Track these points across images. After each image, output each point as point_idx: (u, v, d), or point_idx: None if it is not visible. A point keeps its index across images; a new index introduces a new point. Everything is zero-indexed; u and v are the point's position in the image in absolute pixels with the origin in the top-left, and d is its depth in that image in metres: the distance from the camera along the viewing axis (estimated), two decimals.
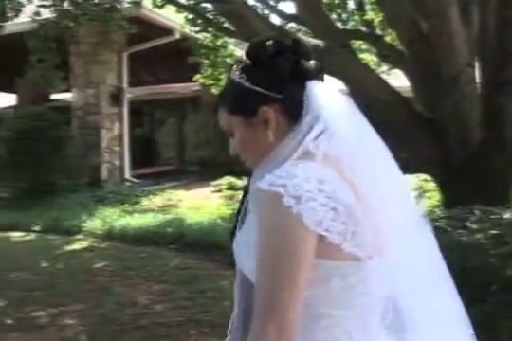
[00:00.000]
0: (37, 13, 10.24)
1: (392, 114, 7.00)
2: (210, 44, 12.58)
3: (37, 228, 10.24)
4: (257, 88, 1.51)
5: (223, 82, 11.98)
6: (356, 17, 12.02)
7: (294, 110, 1.49)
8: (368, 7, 11.10)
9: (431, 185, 9.95)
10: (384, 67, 12.42)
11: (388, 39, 9.87)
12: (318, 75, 1.53)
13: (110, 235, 9.43)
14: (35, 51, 10.30)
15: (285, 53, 1.51)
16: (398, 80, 9.34)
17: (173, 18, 13.38)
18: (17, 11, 10.12)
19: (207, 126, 16.66)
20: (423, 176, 11.08)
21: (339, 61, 6.88)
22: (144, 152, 19.10)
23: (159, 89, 18.46)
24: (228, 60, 12.66)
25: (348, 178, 1.42)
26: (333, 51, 6.86)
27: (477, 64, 6.94)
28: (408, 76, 7.71)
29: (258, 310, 1.34)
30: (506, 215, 4.97)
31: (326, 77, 1.61)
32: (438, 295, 1.57)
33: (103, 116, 14.59)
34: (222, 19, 9.72)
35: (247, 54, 1.56)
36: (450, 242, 4.52)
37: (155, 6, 11.14)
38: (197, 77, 13.87)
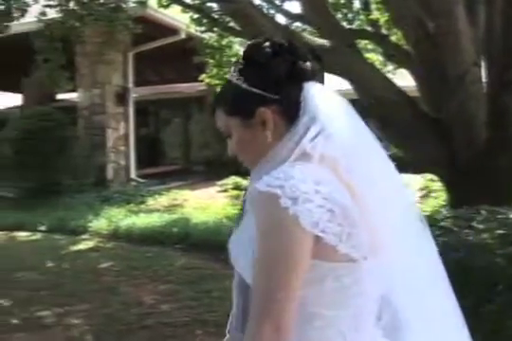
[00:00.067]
0: (43, 13, 10.25)
1: (397, 113, 6.99)
2: (215, 43, 12.59)
3: (43, 228, 10.27)
4: (254, 89, 1.52)
5: None
6: (361, 17, 12.00)
7: (291, 111, 1.50)
8: (373, 6, 11.07)
9: (438, 184, 9.94)
10: (390, 67, 12.40)
11: (393, 38, 9.84)
12: (314, 76, 1.54)
13: (116, 235, 9.45)
14: (41, 51, 10.32)
15: (282, 55, 1.52)
16: (404, 79, 9.32)
17: (179, 18, 13.38)
18: (23, 11, 10.13)
19: (212, 126, 16.41)
20: (429, 176, 11.08)
21: (345, 60, 6.86)
22: (150, 152, 19.11)
23: (165, 89, 18.48)
24: (234, 59, 12.65)
25: (344, 179, 1.43)
26: (339, 51, 6.85)
27: (483, 64, 6.91)
28: (413, 75, 7.69)
29: (254, 309, 1.36)
30: None
31: (323, 79, 1.62)
32: (434, 295, 1.58)
33: (109, 116, 14.61)
34: (227, 19, 9.71)
35: (245, 56, 1.57)
36: (457, 241, 4.50)
37: (161, 5, 11.13)
38: (203, 76, 13.89)
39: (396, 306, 1.54)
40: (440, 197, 9.44)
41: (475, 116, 6.61)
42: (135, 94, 15.55)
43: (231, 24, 9.62)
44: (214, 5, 9.76)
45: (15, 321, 5.59)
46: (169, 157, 20.67)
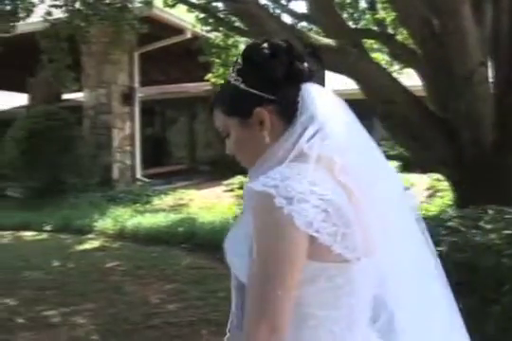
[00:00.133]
0: (49, 13, 10.26)
1: (404, 113, 6.97)
2: (221, 43, 12.56)
3: (49, 228, 10.30)
4: (252, 90, 1.53)
5: None
6: (367, 16, 11.98)
7: (288, 111, 1.51)
8: (379, 6, 11.05)
9: (444, 184, 9.92)
10: (396, 67, 12.37)
11: (400, 38, 9.82)
12: (312, 77, 1.55)
13: (121, 234, 9.46)
14: (47, 51, 10.32)
15: (280, 56, 1.53)
16: (410, 79, 9.30)
17: (185, 17, 13.38)
18: (29, 11, 10.14)
19: None
20: (435, 175, 11.06)
21: (351, 60, 6.85)
22: (155, 152, 19.12)
23: (171, 89, 18.47)
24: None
25: (341, 180, 1.44)
26: (345, 50, 6.83)
27: (490, 64, 6.89)
28: (420, 75, 7.67)
29: (249, 309, 1.37)
30: None
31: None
32: (430, 297, 1.58)
33: (115, 116, 14.63)
34: (233, 18, 9.70)
35: (243, 56, 1.58)
36: (464, 241, 4.48)
37: (167, 5, 11.12)
38: (208, 76, 13.87)
39: (391, 308, 1.54)
40: (446, 197, 9.42)
41: (482, 116, 6.59)
42: (140, 94, 15.57)
43: (237, 23, 9.61)
44: (220, 4, 9.75)
45: (21, 320, 5.60)
46: (175, 157, 20.68)
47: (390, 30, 10.50)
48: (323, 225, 1.35)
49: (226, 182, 13.60)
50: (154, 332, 5.18)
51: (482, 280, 4.26)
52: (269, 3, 10.64)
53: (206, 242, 8.17)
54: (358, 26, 11.54)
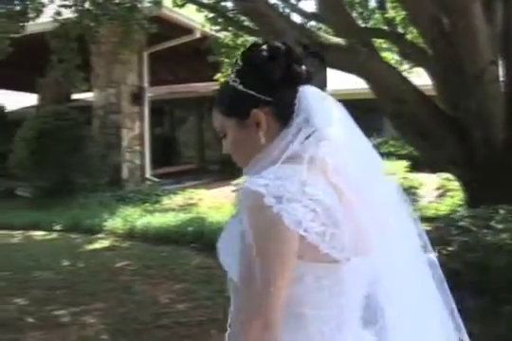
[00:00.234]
0: (58, 13, 10.29)
1: (414, 112, 6.95)
2: (230, 42, 12.56)
3: (58, 227, 10.32)
4: (250, 91, 1.54)
5: None
6: (376, 15, 11.96)
7: (285, 113, 1.52)
8: (389, 5, 11.03)
9: (454, 184, 9.89)
10: (405, 66, 12.34)
11: (409, 37, 9.79)
12: (310, 79, 1.56)
13: (131, 234, 9.47)
14: (57, 51, 10.35)
15: (278, 58, 1.53)
16: (420, 78, 9.28)
17: (194, 17, 13.39)
18: (38, 12, 10.17)
19: None
20: (445, 175, 11.02)
21: (361, 59, 6.83)
22: (165, 152, 19.15)
23: (180, 88, 18.50)
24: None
25: (333, 181, 1.45)
26: (354, 49, 6.82)
27: (500, 62, 6.86)
28: (430, 74, 7.64)
29: (241, 307, 1.40)
30: None
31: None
32: (421, 296, 1.57)
33: (124, 116, 14.65)
34: (242, 17, 9.70)
35: (242, 57, 1.59)
36: (475, 241, 4.47)
37: (176, 5, 11.15)
38: (218, 76, 13.86)
39: (383, 307, 1.55)
40: (456, 196, 9.39)
41: (493, 115, 6.56)
42: (150, 93, 15.59)
43: (246, 23, 9.61)
44: (229, 4, 9.76)
45: (31, 320, 5.61)
46: (184, 156, 20.69)
47: (399, 29, 10.49)
48: (312, 225, 1.36)
49: (235, 181, 13.59)
50: (163, 332, 5.18)
51: (493, 280, 4.24)
52: (279, 2, 10.64)
53: (215, 241, 8.03)
54: (368, 26, 11.52)
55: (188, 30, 14.31)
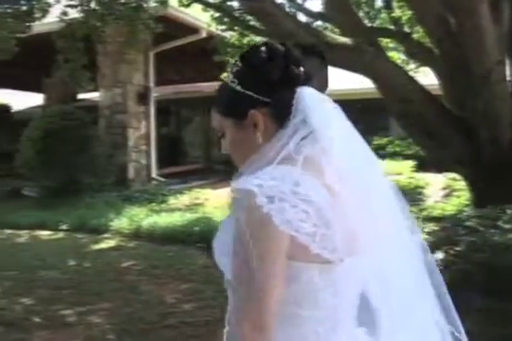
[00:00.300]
0: (64, 13, 10.28)
1: (421, 112, 6.94)
2: (236, 42, 12.54)
3: (65, 227, 10.32)
4: (248, 92, 1.56)
5: None
6: (383, 15, 11.94)
7: (282, 114, 1.53)
8: (395, 4, 11.01)
9: (460, 184, 9.86)
10: (412, 65, 12.33)
11: (416, 36, 9.78)
12: (308, 80, 1.57)
13: (137, 234, 9.46)
14: (63, 51, 10.36)
15: (276, 59, 1.55)
16: (426, 77, 9.26)
17: (200, 17, 13.38)
18: (44, 12, 10.18)
19: None
20: (451, 175, 11.00)
21: (368, 58, 6.82)
22: (171, 151, 19.16)
23: (186, 88, 18.52)
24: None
25: (327, 182, 1.45)
26: (361, 49, 6.81)
27: (508, 62, 6.84)
28: (437, 74, 7.63)
29: (235, 308, 1.42)
30: None
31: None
32: (416, 296, 1.57)
33: (130, 116, 14.66)
34: (248, 17, 9.69)
35: (241, 58, 1.61)
36: (482, 241, 4.46)
37: (182, 5, 11.14)
38: (223, 75, 13.86)
39: (377, 308, 1.55)
40: (463, 196, 9.36)
41: (500, 115, 6.54)
42: (156, 93, 15.59)
43: (252, 22, 9.60)
44: (235, 3, 9.75)
45: (38, 319, 5.61)
46: (190, 156, 20.71)
47: (406, 29, 10.46)
48: (302, 225, 1.37)
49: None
50: (169, 332, 5.18)
51: (501, 280, 4.23)
52: (285, 1, 10.62)
53: None
54: (374, 25, 11.50)
55: (194, 30, 14.31)
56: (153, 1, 11.19)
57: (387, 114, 12.03)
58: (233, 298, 1.45)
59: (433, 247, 4.82)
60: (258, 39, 12.38)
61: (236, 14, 10.31)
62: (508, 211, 4.82)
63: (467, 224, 4.78)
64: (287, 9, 10.09)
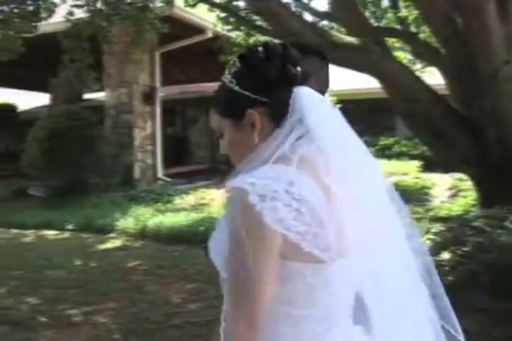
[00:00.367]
0: (70, 13, 10.31)
1: (427, 111, 6.92)
2: (242, 42, 12.53)
3: (71, 227, 10.35)
4: (245, 92, 1.57)
5: None
6: (389, 14, 11.92)
7: (279, 114, 1.54)
8: (402, 4, 10.99)
9: (466, 184, 9.84)
10: (418, 65, 12.31)
11: (422, 36, 9.76)
12: (306, 80, 1.57)
13: (143, 234, 9.47)
14: (69, 51, 10.38)
15: (274, 59, 1.56)
16: (433, 77, 9.24)
17: (206, 17, 13.38)
18: (51, 12, 10.19)
19: None
20: (457, 175, 10.98)
21: (374, 58, 6.80)
22: (176, 151, 19.16)
23: (191, 88, 18.49)
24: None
25: (322, 182, 1.46)
26: (367, 49, 6.79)
27: None
28: (443, 73, 7.61)
29: (228, 306, 1.42)
30: None
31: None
32: (410, 297, 1.57)
33: (136, 115, 14.67)
34: (254, 17, 9.68)
35: (239, 58, 1.62)
36: (489, 242, 4.44)
37: (188, 5, 11.14)
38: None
39: (368, 307, 1.54)
40: (469, 196, 9.34)
41: (507, 115, 6.52)
42: (161, 93, 15.59)
43: (258, 22, 9.60)
44: (241, 3, 9.74)
45: (44, 319, 5.62)
46: (196, 156, 20.70)
47: (412, 29, 10.44)
48: (294, 224, 1.37)
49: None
50: (175, 332, 5.18)
51: (508, 281, 4.22)
52: (291, 1, 10.61)
53: None
54: (381, 25, 11.48)
55: (200, 30, 14.31)
56: (159, 1, 11.20)
57: (393, 113, 12.02)
58: (228, 296, 1.45)
59: (440, 248, 4.81)
60: (264, 39, 12.39)
61: (242, 14, 10.31)
62: None
63: (474, 224, 4.76)
64: (293, 9, 10.08)
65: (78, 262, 7.91)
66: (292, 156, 1.46)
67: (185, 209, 11.02)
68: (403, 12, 10.76)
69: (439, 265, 4.63)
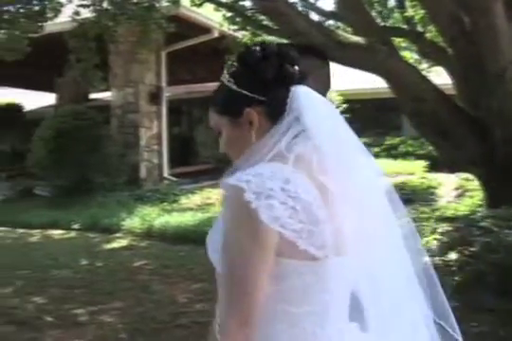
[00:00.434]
0: (77, 13, 10.32)
1: (434, 111, 6.90)
2: (248, 42, 12.52)
3: (77, 226, 10.36)
4: (243, 91, 1.58)
5: None
6: (396, 14, 11.90)
7: (277, 112, 1.56)
8: (408, 3, 10.97)
9: (473, 184, 9.81)
10: (425, 65, 12.28)
11: (429, 36, 9.73)
12: (303, 79, 1.59)
13: (149, 233, 9.48)
14: (75, 51, 10.39)
15: (271, 58, 1.57)
16: (439, 77, 9.22)
17: (212, 16, 13.38)
18: (57, 11, 10.21)
19: None
20: (464, 175, 10.95)
21: (380, 58, 6.79)
22: (182, 151, 19.17)
23: (197, 88, 18.49)
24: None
25: (319, 180, 1.47)
26: (373, 48, 6.78)
27: None
28: (450, 73, 7.59)
29: (222, 302, 1.45)
30: None
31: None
32: (406, 297, 1.58)
33: (142, 115, 14.67)
34: (261, 17, 9.67)
35: (237, 58, 1.64)
36: (496, 242, 4.42)
37: (194, 4, 11.13)
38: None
39: (364, 305, 1.55)
40: (476, 196, 9.31)
41: None
42: (168, 93, 15.60)
43: (265, 22, 9.59)
44: (247, 3, 9.73)
45: (50, 318, 5.62)
46: (202, 156, 20.69)
47: (419, 28, 10.42)
48: (289, 221, 1.38)
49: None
50: (181, 332, 5.17)
51: None
52: (297, 1, 10.59)
53: None
54: (387, 24, 11.45)
55: (206, 30, 14.31)
56: (165, 1, 11.20)
57: (399, 113, 12.00)
58: (224, 293, 1.46)
59: (447, 248, 4.80)
60: (271, 38, 12.38)
61: (248, 14, 10.30)
62: None
63: (482, 224, 4.75)
64: (300, 9, 10.06)
65: (84, 262, 7.92)
66: (288, 155, 1.47)
67: (191, 209, 11.03)
68: (409, 12, 10.74)
69: (446, 265, 4.62)
